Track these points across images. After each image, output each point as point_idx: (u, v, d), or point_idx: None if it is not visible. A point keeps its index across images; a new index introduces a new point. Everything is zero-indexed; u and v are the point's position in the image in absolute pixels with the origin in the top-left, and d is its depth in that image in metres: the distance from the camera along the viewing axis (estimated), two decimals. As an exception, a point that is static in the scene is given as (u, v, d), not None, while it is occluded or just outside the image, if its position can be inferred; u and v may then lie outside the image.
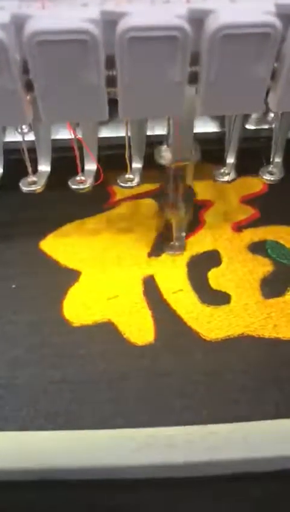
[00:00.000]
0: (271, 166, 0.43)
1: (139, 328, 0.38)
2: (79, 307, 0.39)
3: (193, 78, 0.25)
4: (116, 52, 0.22)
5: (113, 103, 0.27)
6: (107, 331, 0.38)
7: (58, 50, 0.22)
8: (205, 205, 0.48)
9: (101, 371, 0.35)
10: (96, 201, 0.47)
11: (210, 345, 0.37)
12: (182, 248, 0.43)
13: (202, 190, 0.48)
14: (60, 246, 0.44)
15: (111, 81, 0.24)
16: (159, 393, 0.34)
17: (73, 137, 0.35)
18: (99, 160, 0.42)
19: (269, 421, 0.30)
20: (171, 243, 0.43)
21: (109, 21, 0.22)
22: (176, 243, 0.43)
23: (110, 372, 0.35)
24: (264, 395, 0.34)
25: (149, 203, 0.48)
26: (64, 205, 0.46)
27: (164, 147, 0.35)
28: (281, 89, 0.27)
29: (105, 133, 0.43)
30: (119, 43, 0.22)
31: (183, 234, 0.43)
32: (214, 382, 0.35)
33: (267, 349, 0.36)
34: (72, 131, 0.34)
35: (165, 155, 0.35)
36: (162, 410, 0.33)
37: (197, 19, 0.23)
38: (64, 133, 0.41)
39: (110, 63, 0.23)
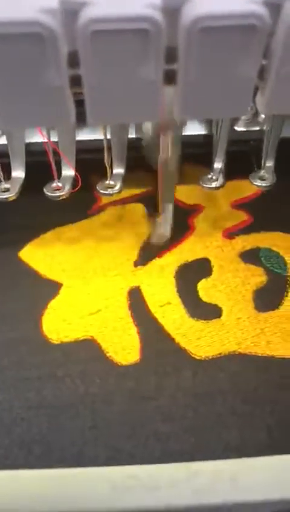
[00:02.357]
0: (262, 171, 0.40)
1: (123, 346, 0.35)
2: (59, 323, 0.37)
3: (171, 78, 0.22)
4: (78, 48, 0.20)
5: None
6: (88, 349, 0.35)
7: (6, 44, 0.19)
8: (194, 210, 0.45)
9: (81, 394, 0.33)
10: (80, 207, 0.44)
11: (199, 364, 0.34)
12: (167, 235, 0.40)
13: (191, 194, 0.45)
14: (40, 255, 0.41)
15: (77, 82, 0.21)
16: (143, 418, 0.32)
17: (46, 140, 0.32)
18: (81, 164, 0.39)
19: (259, 459, 0.28)
20: (158, 230, 0.40)
21: (70, 11, 0.19)
22: (161, 229, 0.40)
23: (91, 395, 0.33)
24: (256, 420, 0.32)
25: (136, 208, 0.45)
26: (45, 212, 0.43)
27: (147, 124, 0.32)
28: (270, 90, 0.24)
29: (87, 135, 0.40)
30: (82, 37, 0.19)
31: (171, 207, 0.39)
32: (202, 405, 0.32)
33: (260, 369, 0.34)
34: (43, 135, 0.31)
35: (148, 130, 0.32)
36: (146, 438, 0.31)
37: (173, 8, 0.20)
38: (39, 136, 0.38)
39: (73, 60, 0.20)
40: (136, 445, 0.31)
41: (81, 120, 0.23)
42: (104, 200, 0.46)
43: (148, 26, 0.19)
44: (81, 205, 0.44)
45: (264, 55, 0.22)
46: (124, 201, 0.46)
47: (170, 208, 0.39)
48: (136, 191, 0.46)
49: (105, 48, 0.20)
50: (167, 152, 0.33)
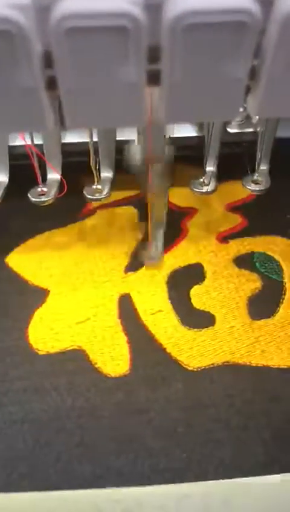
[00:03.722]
0: (256, 174, 0.39)
1: (112, 357, 0.34)
2: (46, 332, 0.35)
3: (155, 79, 0.20)
4: (52, 47, 0.18)
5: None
6: (76, 360, 0.34)
7: None
8: (187, 213, 0.44)
9: (68, 407, 0.31)
10: (69, 210, 0.43)
11: (192, 375, 0.33)
12: (160, 257, 0.39)
13: (184, 197, 0.44)
14: (27, 261, 0.40)
15: (55, 83, 0.19)
16: (133, 433, 0.30)
17: (28, 143, 0.30)
18: (70, 167, 0.37)
19: (253, 479, 0.26)
20: (149, 251, 0.38)
21: (43, 7, 0.17)
22: (153, 250, 0.38)
23: (78, 409, 0.31)
24: (251, 433, 0.30)
25: (128, 211, 0.44)
26: (32, 216, 0.41)
27: (134, 145, 0.30)
28: (262, 91, 0.22)
29: (76, 137, 0.38)
30: (54, 35, 0.18)
31: (161, 232, 0.38)
32: (195, 419, 0.31)
33: (254, 379, 0.33)
34: (24, 139, 0.30)
35: (136, 155, 0.30)
36: (136, 454, 0.29)
37: (155, 3, 0.18)
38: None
39: (49, 60, 0.19)
40: (125, 463, 0.29)
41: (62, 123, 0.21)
42: (94, 203, 0.44)
43: (127, 23, 0.17)
44: (70, 208, 0.43)
45: (255, 54, 0.20)
46: (115, 204, 0.44)
47: (160, 233, 0.38)
48: (128, 193, 0.44)
49: (80, 47, 0.18)
50: (155, 182, 0.32)
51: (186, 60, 0.20)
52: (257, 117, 0.39)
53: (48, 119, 0.20)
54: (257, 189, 0.40)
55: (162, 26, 0.18)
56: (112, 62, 0.19)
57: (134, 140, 0.34)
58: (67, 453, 0.30)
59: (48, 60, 0.19)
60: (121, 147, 0.37)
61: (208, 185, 0.39)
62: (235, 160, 0.41)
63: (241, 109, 0.24)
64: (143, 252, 0.39)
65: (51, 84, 0.19)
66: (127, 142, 0.36)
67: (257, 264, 0.40)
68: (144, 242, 0.40)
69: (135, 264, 0.40)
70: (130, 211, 0.44)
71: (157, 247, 0.39)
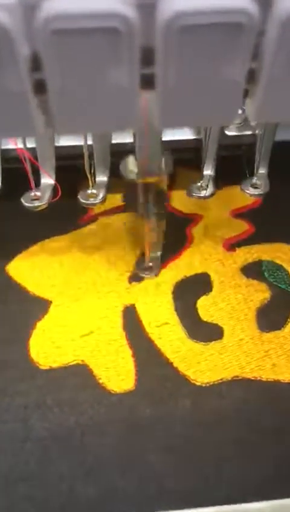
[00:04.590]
0: (255, 178, 0.37)
1: (117, 372, 0.33)
2: (48, 346, 0.34)
3: (149, 82, 0.19)
4: (39, 49, 0.17)
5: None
6: (79, 375, 0.32)
7: None
8: (191, 220, 0.43)
9: (71, 425, 0.30)
10: (71, 217, 0.42)
11: (200, 391, 0.32)
12: (156, 270, 0.38)
13: (188, 202, 0.43)
14: (28, 269, 0.39)
15: (41, 87, 0.18)
16: (138, 452, 0.29)
17: (19, 147, 0.29)
18: (67, 171, 0.36)
19: (264, 504, 0.25)
20: (144, 264, 0.37)
21: (29, 6, 0.16)
22: (149, 264, 0.37)
23: (81, 426, 0.30)
24: (261, 452, 0.29)
25: (131, 218, 0.43)
26: (31, 221, 0.40)
27: (130, 158, 0.29)
28: (260, 95, 0.21)
29: (71, 140, 0.37)
30: (41, 36, 0.16)
31: (158, 254, 0.37)
32: (203, 437, 0.30)
33: (265, 395, 0.31)
34: (15, 142, 0.29)
35: (132, 168, 0.29)
36: (141, 474, 0.28)
37: (148, 3, 0.17)
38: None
39: (38, 63, 0.18)
40: (130, 483, 0.28)
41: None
42: (96, 209, 0.43)
43: (118, 24, 0.16)
44: (70, 214, 0.42)
45: (254, 56, 0.19)
46: (117, 211, 0.43)
47: (158, 255, 0.37)
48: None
49: (69, 49, 0.17)
50: (151, 209, 0.31)
51: (181, 62, 0.19)
52: (253, 121, 0.38)
53: (37, 124, 0.19)
54: (256, 193, 0.38)
55: (156, 28, 0.17)
56: (103, 65, 0.18)
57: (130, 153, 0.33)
58: (71, 473, 0.28)
59: (36, 63, 0.18)
60: (116, 150, 0.36)
61: (206, 189, 0.38)
62: (234, 164, 0.40)
63: (239, 111, 0.23)
64: (139, 265, 0.38)
65: (40, 87, 0.18)
66: (122, 145, 0.35)
67: (266, 273, 0.38)
68: (142, 253, 0.39)
69: (139, 273, 0.38)
70: (134, 218, 0.43)
71: (154, 260, 0.38)
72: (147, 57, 0.19)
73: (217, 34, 0.18)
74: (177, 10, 0.17)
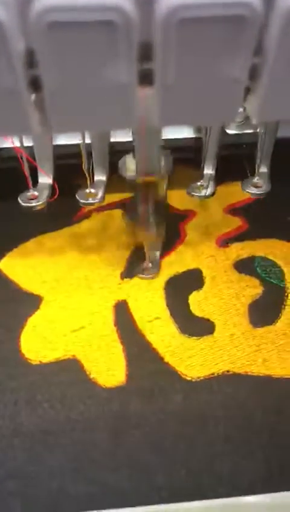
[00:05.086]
0: (256, 177, 0.37)
1: (108, 367, 0.32)
2: (39, 341, 0.34)
3: (147, 78, 0.19)
4: (34, 44, 0.17)
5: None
6: (70, 370, 0.32)
7: None
8: (185, 216, 0.42)
9: (61, 421, 0.30)
10: (64, 213, 0.42)
11: (190, 385, 0.31)
12: (156, 270, 0.37)
13: (182, 199, 0.42)
14: (20, 266, 0.39)
15: (37, 84, 0.18)
16: (129, 448, 0.29)
17: (16, 146, 0.29)
18: (63, 168, 0.36)
19: (255, 498, 0.25)
20: (144, 264, 0.37)
21: (25, 0, 0.16)
22: (149, 264, 0.37)
23: (72, 422, 0.30)
24: (252, 448, 0.29)
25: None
26: (26, 219, 0.40)
27: (130, 157, 0.29)
28: (263, 93, 0.20)
29: (69, 138, 0.37)
30: (36, 30, 0.16)
31: (158, 254, 0.37)
32: (194, 432, 0.30)
33: (256, 390, 0.31)
34: (12, 141, 0.29)
35: (131, 167, 0.29)
36: (132, 471, 0.28)
37: None
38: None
39: (32, 58, 0.17)
40: (120, 480, 0.28)
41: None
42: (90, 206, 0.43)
43: (115, 17, 0.16)
44: (65, 211, 0.41)
45: (256, 52, 0.19)
46: (111, 207, 0.43)
47: (157, 254, 0.37)
48: (124, 196, 0.43)
49: (64, 44, 0.17)
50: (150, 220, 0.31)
51: (180, 58, 0.18)
52: (255, 120, 0.38)
53: (33, 122, 0.19)
54: (258, 192, 0.38)
55: (154, 21, 0.17)
56: (100, 61, 0.17)
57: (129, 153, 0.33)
58: (61, 469, 0.28)
59: (31, 58, 0.17)
60: (115, 149, 0.36)
61: (206, 188, 0.38)
62: (235, 163, 0.40)
63: (240, 109, 0.22)
64: (138, 265, 0.38)
65: (35, 84, 0.18)
66: (122, 143, 0.35)
67: (258, 268, 0.38)
68: (139, 251, 0.38)
69: (130, 270, 0.38)
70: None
71: (153, 260, 0.37)
72: (145, 52, 0.18)
73: (218, 28, 0.17)
74: (177, 2, 0.16)
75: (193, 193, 0.38)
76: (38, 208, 0.34)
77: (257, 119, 0.22)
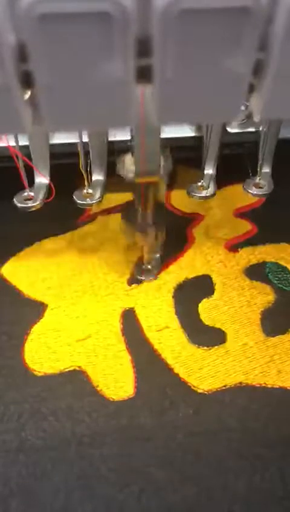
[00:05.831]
0: (258, 177, 0.36)
1: (115, 378, 0.31)
2: (43, 351, 0.32)
3: (146, 74, 0.18)
4: (24, 37, 0.15)
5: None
6: (76, 382, 0.31)
7: None
8: (193, 219, 0.41)
9: (67, 435, 0.29)
10: (68, 216, 0.40)
11: (201, 398, 0.30)
12: (154, 272, 0.36)
13: (189, 201, 0.41)
14: (23, 271, 0.37)
15: (28, 80, 0.17)
16: (138, 464, 0.28)
17: (12, 145, 0.28)
18: (63, 169, 0.35)
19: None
20: (143, 266, 0.36)
21: None
22: (148, 266, 0.36)
23: (78, 436, 0.29)
24: (267, 463, 0.28)
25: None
26: (27, 221, 0.38)
27: (128, 157, 0.28)
28: (267, 90, 0.19)
29: (67, 137, 0.35)
30: (26, 22, 0.15)
31: (157, 255, 0.36)
32: (205, 447, 0.28)
33: (270, 403, 0.30)
34: (6, 140, 0.27)
35: (130, 167, 0.28)
36: (141, 487, 0.27)
37: None
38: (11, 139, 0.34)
39: (23, 53, 0.16)
40: (128, 497, 0.27)
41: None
42: (95, 208, 0.42)
43: (110, 8, 0.15)
44: (69, 214, 0.40)
45: (260, 46, 0.18)
46: (116, 210, 0.41)
47: (157, 257, 0.36)
48: (126, 196, 0.42)
49: (56, 37, 0.15)
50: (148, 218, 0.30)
51: (180, 52, 0.17)
52: (258, 118, 0.37)
53: (25, 120, 0.18)
54: (260, 193, 0.37)
55: (153, 12, 0.15)
56: (95, 55, 0.16)
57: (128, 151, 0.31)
58: (66, 487, 0.27)
59: (22, 53, 0.16)
60: (113, 148, 0.34)
61: (207, 188, 0.37)
62: (236, 163, 0.38)
63: (242, 107, 0.21)
64: (138, 268, 0.37)
65: (27, 80, 0.17)
66: (121, 142, 0.34)
67: (270, 275, 0.37)
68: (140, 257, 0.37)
69: (138, 275, 0.37)
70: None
71: (153, 262, 0.36)
72: (143, 46, 0.17)
73: (220, 20, 0.16)
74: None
75: (194, 193, 0.36)
76: (35, 208, 0.33)
77: (261, 117, 0.21)
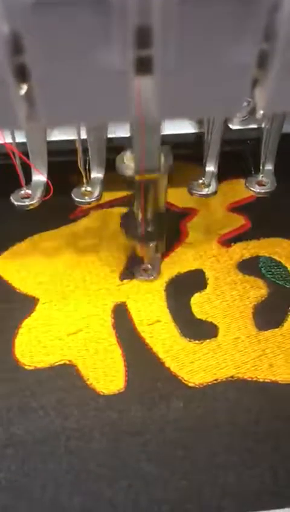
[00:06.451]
0: (260, 175, 0.36)
1: (106, 372, 0.31)
2: (33, 345, 0.32)
3: (145, 66, 0.17)
4: (19, 27, 0.15)
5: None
6: (66, 375, 0.31)
7: None
8: (186, 214, 0.41)
9: (56, 429, 0.29)
10: (61, 211, 0.40)
11: (193, 392, 0.30)
12: (156, 272, 0.36)
13: (183, 196, 0.40)
14: (15, 266, 0.37)
15: (23, 72, 0.16)
16: (127, 458, 0.27)
17: (8, 142, 0.27)
18: (59, 165, 0.34)
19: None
20: (143, 265, 0.36)
21: None
22: (149, 266, 0.36)
23: (67, 430, 0.28)
24: (258, 457, 0.28)
25: (123, 212, 0.41)
26: (20, 217, 0.38)
27: (128, 154, 0.28)
28: (272, 82, 0.19)
29: (64, 134, 0.35)
30: (20, 10, 0.14)
31: (158, 255, 0.36)
32: (195, 442, 0.28)
33: (261, 396, 0.30)
34: (2, 136, 0.27)
35: (129, 164, 0.28)
36: (130, 482, 0.27)
37: None
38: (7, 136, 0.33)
39: (17, 44, 0.16)
40: (118, 492, 0.26)
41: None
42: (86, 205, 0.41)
43: None
44: (62, 209, 0.40)
45: (266, 36, 0.17)
46: (110, 205, 0.41)
47: (157, 256, 0.35)
48: (123, 193, 0.41)
49: (51, 27, 0.15)
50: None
51: (181, 41, 0.16)
52: (262, 112, 0.36)
53: (19, 115, 0.17)
54: (262, 191, 0.36)
55: (152, 2, 0.15)
56: (92, 46, 0.16)
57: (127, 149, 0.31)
58: (55, 481, 0.27)
59: (16, 45, 0.16)
60: (112, 145, 0.34)
61: (208, 186, 0.36)
62: (238, 160, 0.38)
63: (245, 103, 0.21)
64: (137, 266, 0.36)
65: (22, 73, 0.16)
66: (120, 139, 0.34)
67: (263, 269, 0.37)
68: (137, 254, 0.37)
69: (130, 270, 0.37)
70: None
71: (153, 261, 0.36)
72: (143, 36, 0.16)
73: (223, 7, 0.16)
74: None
75: (194, 191, 0.36)
76: (32, 207, 0.32)
77: (265, 111, 0.20)
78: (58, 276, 0.37)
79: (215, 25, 0.16)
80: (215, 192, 0.36)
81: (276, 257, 0.38)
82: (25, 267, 0.37)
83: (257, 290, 0.35)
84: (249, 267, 0.37)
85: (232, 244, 0.39)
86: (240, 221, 0.40)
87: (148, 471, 0.27)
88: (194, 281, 0.36)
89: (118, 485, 0.27)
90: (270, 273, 0.37)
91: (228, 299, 0.35)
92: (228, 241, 0.39)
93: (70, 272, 0.37)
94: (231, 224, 0.40)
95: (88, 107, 0.19)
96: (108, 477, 0.27)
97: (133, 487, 0.26)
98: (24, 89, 0.18)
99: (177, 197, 0.41)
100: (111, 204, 0.41)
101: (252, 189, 0.36)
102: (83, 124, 0.31)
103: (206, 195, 0.36)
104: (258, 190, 0.36)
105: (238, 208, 0.41)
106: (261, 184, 0.37)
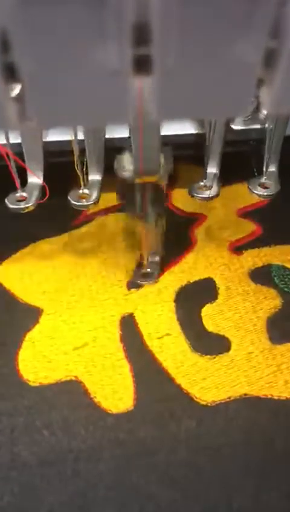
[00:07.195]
0: (264, 177, 0.34)
1: (114, 389, 0.29)
2: (38, 360, 0.31)
3: (144, 65, 0.16)
4: (6, 23, 0.14)
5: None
6: (72, 392, 0.29)
7: None
8: (195, 220, 0.39)
9: (62, 450, 0.27)
10: (64, 217, 0.38)
11: (205, 411, 0.29)
12: (155, 276, 0.35)
13: (191, 201, 0.39)
14: (17, 274, 0.36)
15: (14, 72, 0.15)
16: (137, 481, 0.26)
17: (1, 143, 0.26)
18: (59, 168, 0.33)
19: None
20: (142, 270, 0.34)
21: None
22: (147, 270, 0.34)
23: (74, 451, 0.27)
24: (274, 481, 0.26)
25: (129, 218, 0.39)
26: (23, 223, 0.37)
27: (126, 155, 0.26)
28: (279, 81, 0.17)
29: (63, 135, 0.34)
30: (7, 7, 0.13)
31: (157, 259, 0.34)
32: (209, 463, 0.27)
33: (277, 415, 0.28)
34: None
35: (128, 166, 0.26)
36: (140, 506, 0.25)
37: None
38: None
39: (7, 42, 0.14)
40: (128, 518, 0.25)
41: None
42: (92, 209, 0.40)
43: None
44: (66, 215, 0.38)
45: (273, 33, 0.16)
46: (115, 210, 0.40)
47: (157, 260, 0.34)
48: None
49: (42, 23, 0.14)
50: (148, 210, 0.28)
51: (182, 38, 0.15)
52: (265, 112, 0.35)
53: (10, 116, 0.16)
54: (265, 193, 0.35)
55: None
56: (86, 43, 0.14)
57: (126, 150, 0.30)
58: (61, 506, 0.25)
59: (5, 41, 0.14)
60: (111, 146, 0.33)
61: (210, 189, 0.35)
62: (241, 161, 0.36)
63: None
64: (137, 271, 0.35)
65: (12, 72, 0.15)
66: (118, 140, 0.32)
67: (276, 278, 0.35)
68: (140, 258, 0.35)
69: (138, 279, 0.35)
70: (130, 218, 0.39)
71: (153, 265, 0.35)
72: (141, 33, 0.15)
73: (226, 3, 0.14)
74: None
75: (196, 194, 0.34)
76: (28, 210, 0.31)
77: (271, 112, 0.19)
78: (63, 284, 0.35)
79: (219, 20, 0.15)
80: (217, 195, 0.35)
81: (289, 265, 0.36)
82: (27, 275, 0.36)
83: (270, 301, 0.34)
84: (262, 276, 0.36)
85: (243, 251, 0.37)
86: (251, 227, 0.39)
87: (159, 495, 0.26)
88: (204, 291, 0.35)
89: (128, 509, 0.25)
90: (283, 282, 0.35)
91: (240, 310, 0.33)
92: (238, 249, 0.37)
93: (75, 280, 0.35)
94: (242, 230, 0.39)
95: (83, 108, 0.17)
96: (117, 501, 0.26)
97: (144, 511, 0.25)
98: (17, 88, 0.17)
99: (183, 201, 0.40)
100: (116, 209, 0.40)
101: (255, 191, 0.35)
102: (78, 125, 0.30)
103: (208, 198, 0.35)
104: (261, 193, 0.35)
105: (249, 213, 0.40)
106: (264, 186, 0.35)
